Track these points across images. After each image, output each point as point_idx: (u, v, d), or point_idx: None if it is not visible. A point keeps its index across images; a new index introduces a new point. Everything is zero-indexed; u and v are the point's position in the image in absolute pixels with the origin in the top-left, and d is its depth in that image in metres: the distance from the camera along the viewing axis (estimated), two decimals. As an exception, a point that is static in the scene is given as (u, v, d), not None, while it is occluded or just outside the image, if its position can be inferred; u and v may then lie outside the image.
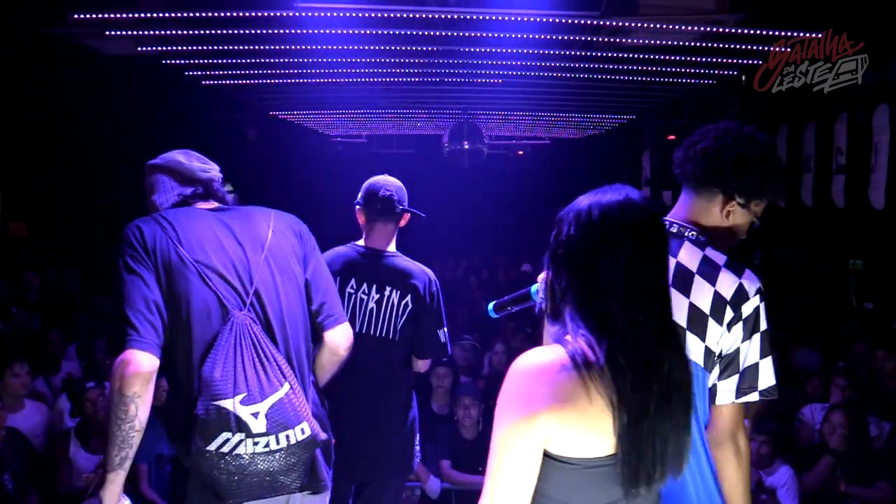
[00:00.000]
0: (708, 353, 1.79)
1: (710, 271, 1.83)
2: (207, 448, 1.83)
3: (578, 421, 1.30)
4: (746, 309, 1.80)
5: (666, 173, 10.04)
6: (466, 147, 9.88)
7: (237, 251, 2.06)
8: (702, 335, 1.79)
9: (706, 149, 1.92)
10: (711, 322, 1.79)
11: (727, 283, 1.81)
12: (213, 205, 2.21)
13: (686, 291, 1.81)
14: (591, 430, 1.31)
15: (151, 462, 4.35)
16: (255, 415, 1.84)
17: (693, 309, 1.80)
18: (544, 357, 1.34)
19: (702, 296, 1.80)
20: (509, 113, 10.10)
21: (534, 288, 1.69)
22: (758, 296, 1.82)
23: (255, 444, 1.83)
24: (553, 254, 1.43)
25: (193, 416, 1.85)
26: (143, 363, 1.85)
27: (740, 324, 1.80)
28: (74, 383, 4.46)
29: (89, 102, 7.74)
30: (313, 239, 2.26)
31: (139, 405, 1.84)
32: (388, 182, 3.02)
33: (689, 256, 1.86)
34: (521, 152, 13.64)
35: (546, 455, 1.32)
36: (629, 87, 7.52)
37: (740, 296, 1.80)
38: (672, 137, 10.43)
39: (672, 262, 1.81)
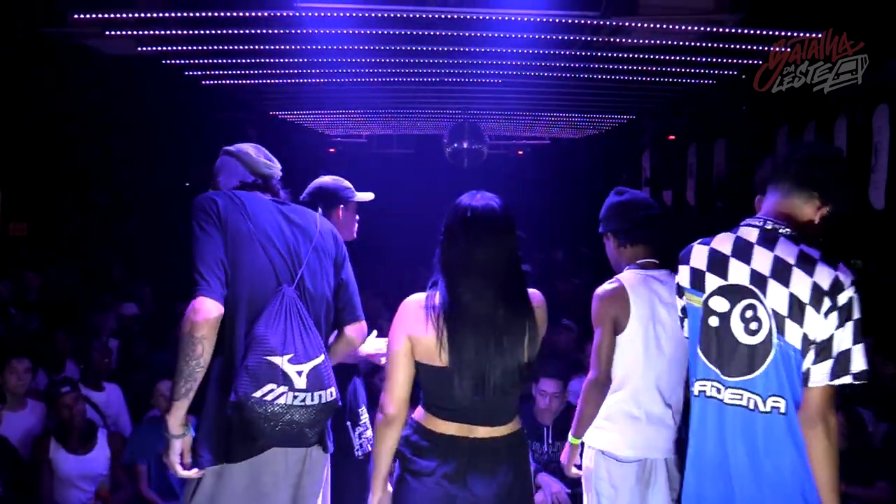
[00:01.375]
0: (805, 338, 2.03)
1: (807, 264, 2.05)
2: (253, 395, 2.08)
3: (426, 342, 2.19)
4: (842, 299, 2.02)
5: (666, 173, 10.05)
6: (466, 147, 9.89)
7: (291, 236, 2.35)
8: (800, 322, 2.03)
9: (814, 157, 2.18)
10: (809, 310, 2.03)
11: (824, 275, 2.03)
12: (269, 197, 2.47)
13: (786, 282, 2.06)
14: (433, 349, 2.18)
15: (151, 462, 4.35)
16: (300, 373, 2.12)
17: (793, 298, 2.04)
18: (415, 299, 2.26)
19: (801, 286, 2.04)
20: (509, 113, 10.10)
21: None
22: (852, 287, 2.03)
23: (295, 397, 2.11)
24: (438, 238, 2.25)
25: (244, 366, 2.12)
26: (211, 310, 2.14)
27: (836, 312, 2.02)
28: (54, 384, 4.41)
29: (89, 102, 7.74)
30: (345, 247, 2.54)
31: (205, 346, 2.13)
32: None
33: (786, 251, 2.09)
34: (521, 152, 13.65)
35: (417, 361, 2.22)
36: (629, 87, 7.52)
37: (836, 286, 2.02)
38: (672, 137, 10.43)
39: (770, 256, 2.09)
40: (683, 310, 2.30)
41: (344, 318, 2.47)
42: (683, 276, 2.25)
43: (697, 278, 2.20)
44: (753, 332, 2.09)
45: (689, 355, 2.27)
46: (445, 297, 2.18)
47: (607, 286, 2.89)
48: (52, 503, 4.05)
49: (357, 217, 3.29)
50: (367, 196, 3.32)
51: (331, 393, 2.19)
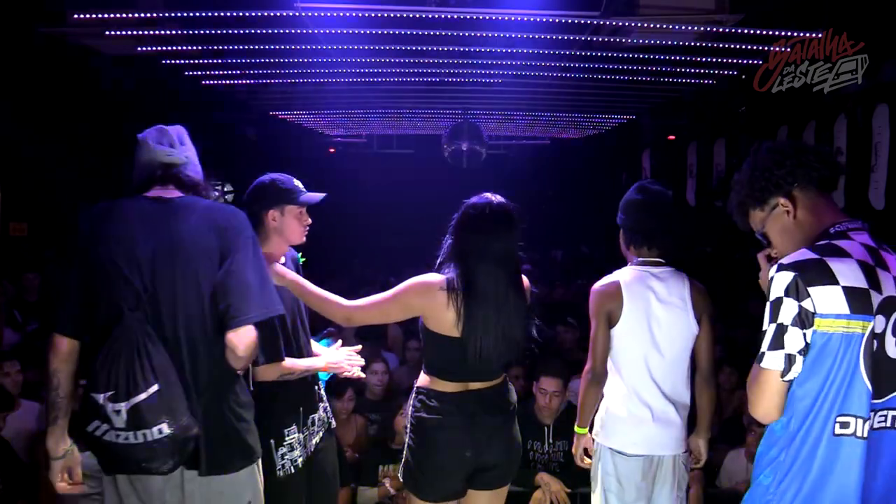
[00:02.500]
0: None
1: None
2: (87, 429, 2.12)
3: (447, 317, 2.58)
4: None
5: (666, 173, 10.06)
6: (466, 147, 9.89)
7: (147, 249, 2.19)
8: None
9: (831, 153, 2.01)
10: None
11: None
12: (165, 192, 2.29)
13: None
14: (451, 323, 2.58)
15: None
16: (118, 412, 2.06)
17: None
18: (435, 280, 2.61)
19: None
20: (509, 113, 10.10)
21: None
22: None
23: (117, 435, 2.08)
24: (449, 230, 2.64)
25: (83, 399, 2.14)
26: (58, 344, 2.20)
27: None
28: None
29: (89, 102, 7.74)
30: (245, 233, 2.26)
31: (60, 378, 2.20)
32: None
33: (888, 253, 1.89)
34: (526, 151, 13.65)
35: (432, 332, 2.62)
36: (629, 87, 7.51)
37: None
38: (672, 137, 10.43)
39: (893, 258, 1.86)
40: (805, 343, 1.79)
41: (225, 322, 2.18)
42: (828, 299, 1.76)
43: (861, 298, 1.77)
44: None
45: (815, 389, 1.79)
46: (463, 278, 2.56)
47: (604, 281, 2.99)
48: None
49: (306, 221, 2.90)
50: (314, 198, 2.90)
51: (159, 430, 2.06)
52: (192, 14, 5.19)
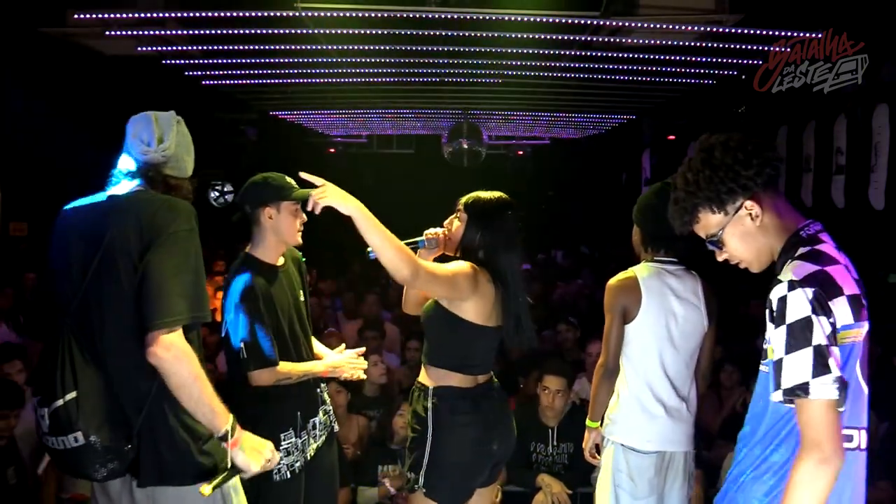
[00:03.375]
0: None
1: None
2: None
3: (486, 306, 2.62)
4: None
5: (666, 173, 10.06)
6: (466, 147, 9.89)
7: (78, 253, 2.09)
8: None
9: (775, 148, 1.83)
10: None
11: None
12: (122, 189, 2.18)
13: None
14: (489, 312, 2.64)
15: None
16: (43, 417, 2.00)
17: None
18: (476, 268, 2.61)
19: None
20: (509, 113, 10.10)
21: (419, 239, 2.73)
22: None
23: (47, 441, 2.03)
24: (474, 223, 2.69)
25: None
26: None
27: None
28: None
29: (89, 102, 7.74)
30: (167, 230, 2.04)
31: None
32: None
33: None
34: (521, 152, 13.65)
35: (470, 323, 2.61)
36: (629, 87, 7.52)
37: None
38: (672, 137, 10.43)
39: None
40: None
41: (143, 327, 1.98)
42: (842, 311, 1.64)
43: (858, 305, 1.68)
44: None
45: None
46: (498, 268, 2.66)
47: (621, 276, 2.97)
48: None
49: (301, 218, 2.85)
50: (305, 194, 2.65)
51: (74, 438, 1.97)
52: (192, 14, 5.20)
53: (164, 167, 2.20)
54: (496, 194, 2.76)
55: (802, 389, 1.58)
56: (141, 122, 2.23)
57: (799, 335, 1.59)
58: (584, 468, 3.74)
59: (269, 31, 5.50)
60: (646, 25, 5.19)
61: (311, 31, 5.46)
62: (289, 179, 2.83)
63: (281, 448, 2.70)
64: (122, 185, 2.19)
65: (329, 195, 2.29)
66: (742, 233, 1.78)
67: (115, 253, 2.03)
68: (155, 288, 1.98)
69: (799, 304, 1.60)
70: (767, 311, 1.68)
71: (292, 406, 2.79)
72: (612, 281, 2.98)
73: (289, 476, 2.74)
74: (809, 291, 1.60)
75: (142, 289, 1.98)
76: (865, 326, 1.69)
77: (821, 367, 1.57)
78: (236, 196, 2.91)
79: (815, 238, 1.73)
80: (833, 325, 1.61)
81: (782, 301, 1.62)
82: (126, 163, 2.21)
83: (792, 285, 1.61)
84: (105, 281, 2.04)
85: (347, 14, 5.03)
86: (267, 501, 2.58)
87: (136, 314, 1.99)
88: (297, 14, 4.98)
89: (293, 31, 5.48)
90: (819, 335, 1.58)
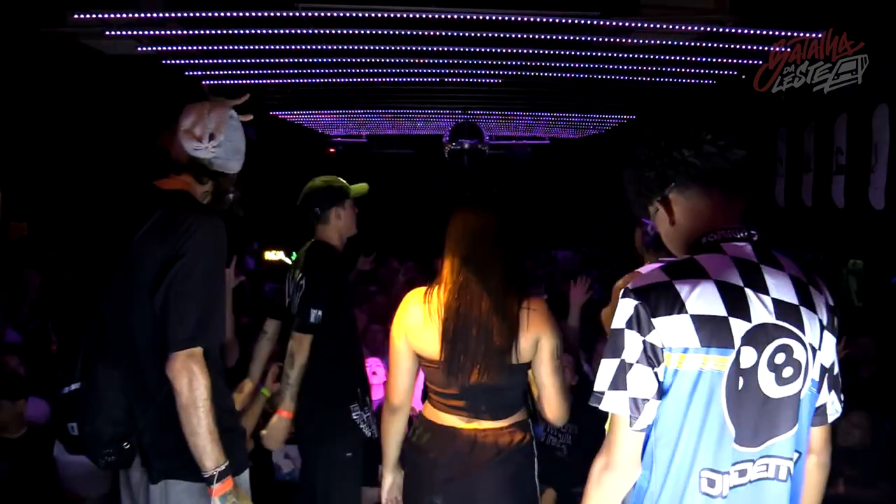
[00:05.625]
0: (822, 369, 1.61)
1: (811, 279, 1.64)
2: None
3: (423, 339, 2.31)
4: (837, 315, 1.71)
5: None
6: (466, 147, 9.89)
7: (112, 250, 2.10)
8: (821, 350, 1.59)
9: (729, 143, 1.60)
10: (827, 334, 1.61)
11: (825, 290, 1.66)
12: (165, 184, 2.14)
13: (812, 307, 1.58)
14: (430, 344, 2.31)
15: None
16: (58, 403, 2.16)
17: (820, 325, 1.60)
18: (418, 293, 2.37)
19: (821, 307, 1.61)
20: (509, 113, 10.11)
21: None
22: None
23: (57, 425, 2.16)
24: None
25: None
26: None
27: (836, 331, 1.67)
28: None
29: (89, 102, 7.74)
30: (195, 243, 1.97)
31: None
32: None
33: (790, 265, 1.62)
34: (529, 149, 13.65)
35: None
36: (629, 87, 7.52)
37: (835, 302, 1.70)
38: (672, 137, 10.41)
39: (786, 276, 1.57)
40: (657, 383, 1.49)
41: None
42: (675, 331, 1.47)
43: (717, 329, 1.47)
44: (787, 382, 1.52)
45: (672, 439, 1.51)
46: None
47: (630, 277, 2.92)
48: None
49: (356, 211, 3.27)
50: (362, 188, 3.30)
51: (72, 427, 2.10)
52: (192, 14, 5.19)
53: (211, 165, 2.20)
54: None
55: (597, 397, 1.52)
56: (194, 113, 2.18)
57: (611, 344, 1.52)
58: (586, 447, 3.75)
59: (269, 31, 5.51)
60: (646, 25, 5.19)
61: (311, 31, 5.46)
62: (342, 180, 3.24)
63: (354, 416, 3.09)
64: (169, 179, 2.15)
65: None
66: (664, 232, 1.66)
67: (137, 260, 2.01)
68: (176, 313, 1.94)
69: (621, 314, 1.51)
70: None
71: (352, 382, 3.15)
72: (621, 282, 2.95)
73: (377, 435, 2.91)
74: (632, 304, 1.49)
75: (164, 313, 1.95)
76: (732, 355, 1.48)
77: (618, 381, 1.50)
78: (243, 195, 2.93)
79: (712, 245, 1.55)
80: (651, 344, 1.47)
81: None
82: (176, 151, 2.15)
83: (625, 293, 1.52)
84: (128, 279, 2.02)
85: (347, 14, 5.04)
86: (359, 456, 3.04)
87: (154, 322, 1.97)
88: (297, 14, 4.98)
89: (293, 31, 5.49)
90: (624, 350, 1.49)
